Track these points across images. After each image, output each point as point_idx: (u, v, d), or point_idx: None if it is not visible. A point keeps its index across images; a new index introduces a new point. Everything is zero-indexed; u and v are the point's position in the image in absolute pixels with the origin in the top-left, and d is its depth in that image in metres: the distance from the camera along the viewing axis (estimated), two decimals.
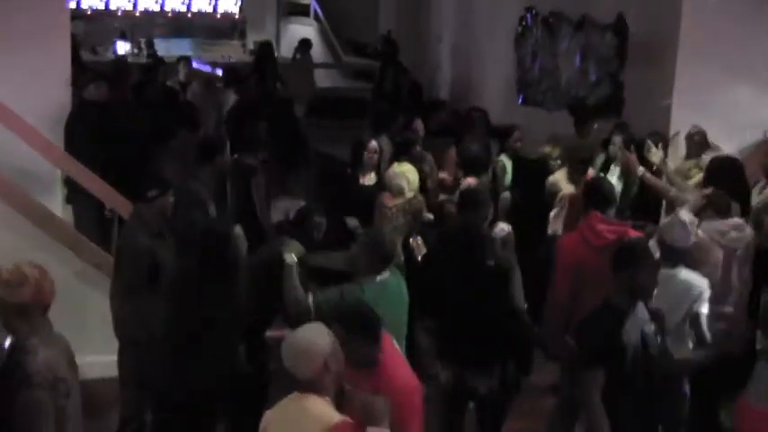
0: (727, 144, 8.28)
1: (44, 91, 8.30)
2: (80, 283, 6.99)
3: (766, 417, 4.75)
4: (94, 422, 5.27)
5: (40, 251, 6.43)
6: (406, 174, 7.53)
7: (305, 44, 15.84)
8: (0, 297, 4.00)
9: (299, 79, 14.98)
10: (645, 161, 7.71)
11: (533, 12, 11.87)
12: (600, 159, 8.19)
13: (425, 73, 15.20)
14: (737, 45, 8.72)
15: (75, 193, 8.42)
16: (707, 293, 5.60)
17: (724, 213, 6.39)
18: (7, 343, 4.12)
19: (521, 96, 12.13)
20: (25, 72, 8.04)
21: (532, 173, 8.48)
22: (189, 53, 16.19)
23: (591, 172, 7.72)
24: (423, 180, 7.91)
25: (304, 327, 4.00)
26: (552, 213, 7.65)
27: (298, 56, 15.77)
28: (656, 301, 5.16)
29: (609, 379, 4.74)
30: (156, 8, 20.21)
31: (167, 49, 17.74)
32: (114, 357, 6.12)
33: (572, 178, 7.64)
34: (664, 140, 8.16)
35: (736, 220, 6.41)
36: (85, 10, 19.19)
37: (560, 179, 7.77)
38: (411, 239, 7.27)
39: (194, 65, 13.68)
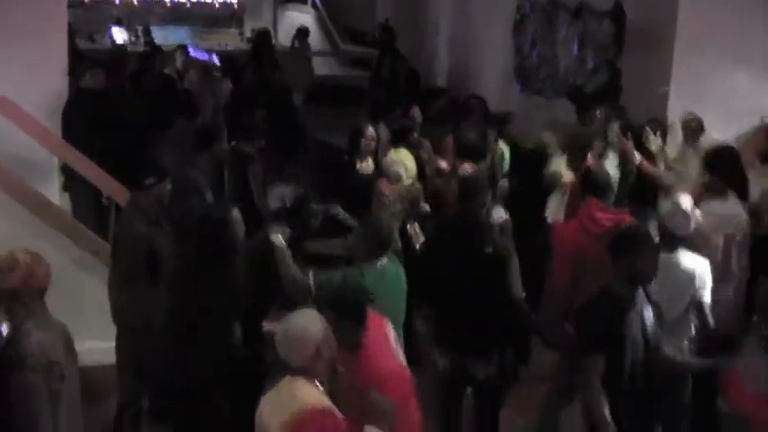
0: (725, 131, 8.27)
1: (41, 79, 8.30)
2: (77, 271, 6.99)
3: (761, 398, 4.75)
4: (92, 408, 5.30)
5: (38, 238, 6.43)
6: (403, 161, 7.53)
7: (302, 32, 15.80)
8: None
9: (296, 67, 14.92)
10: (643, 148, 7.71)
11: None
12: (599, 146, 8.19)
13: (423, 61, 15.18)
14: (735, 32, 8.71)
15: (72, 180, 8.43)
16: (710, 281, 5.62)
17: (721, 198, 6.43)
18: (5, 329, 4.14)
19: (519, 84, 12.11)
20: (22, 61, 8.04)
21: (530, 161, 8.48)
22: (186, 41, 16.14)
23: (590, 159, 7.72)
24: (420, 167, 7.92)
25: (297, 313, 4.04)
26: (554, 201, 7.65)
27: (295, 44, 15.73)
28: (657, 290, 5.18)
29: (608, 366, 4.75)
30: None
31: (165, 37, 17.66)
32: (112, 344, 6.13)
33: (572, 165, 7.64)
34: (662, 128, 8.16)
35: (734, 205, 6.45)
36: None
37: (561, 167, 7.77)
38: (408, 226, 7.28)
39: (192, 53, 13.62)
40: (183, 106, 9.19)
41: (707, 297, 5.62)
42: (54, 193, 8.28)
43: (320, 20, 20.10)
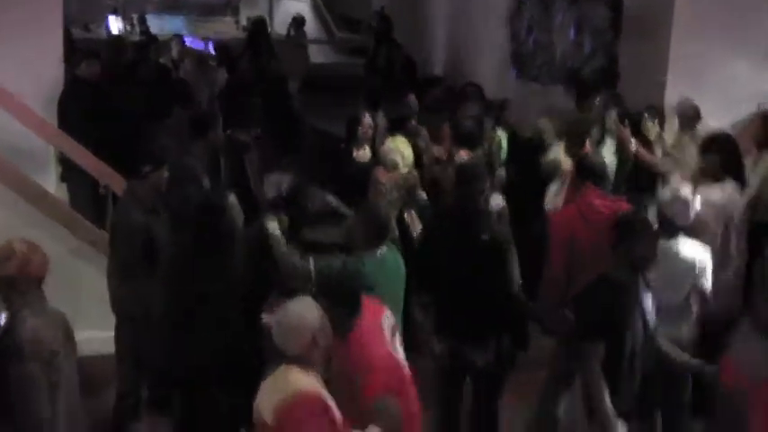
0: (722, 118, 8.25)
1: (37, 69, 8.28)
2: (75, 261, 6.99)
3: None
4: (91, 398, 5.30)
5: (35, 229, 6.41)
6: (400, 149, 7.52)
7: (298, 20, 15.77)
8: None
9: (292, 56, 14.91)
10: (641, 135, 7.70)
11: None
12: (596, 133, 8.18)
13: (419, 48, 15.12)
14: (733, 18, 8.68)
15: (69, 170, 8.42)
16: (710, 268, 5.63)
17: (718, 183, 6.44)
18: (3, 319, 4.16)
19: (515, 71, 12.08)
20: (17, 51, 8.02)
21: (527, 149, 8.47)
22: (182, 30, 16.12)
23: (588, 146, 7.71)
24: (417, 155, 7.91)
25: (293, 302, 4.04)
26: (553, 189, 7.64)
27: (291, 32, 15.71)
28: (656, 277, 5.18)
29: (608, 352, 4.76)
30: None
31: (160, 26, 17.63)
32: (110, 333, 6.13)
33: (570, 153, 7.62)
34: (660, 115, 8.15)
35: (732, 188, 6.47)
36: None
37: (560, 155, 7.76)
38: (405, 214, 7.27)
39: (187, 42, 13.59)
40: (178, 96, 9.18)
41: (708, 284, 5.63)
42: (51, 183, 8.27)
43: (316, 8, 20.07)
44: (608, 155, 7.73)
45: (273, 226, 5.70)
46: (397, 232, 6.90)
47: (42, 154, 8.31)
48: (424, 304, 5.82)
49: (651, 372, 4.99)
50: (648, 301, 4.99)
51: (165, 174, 6.07)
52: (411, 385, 4.57)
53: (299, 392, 3.82)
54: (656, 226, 5.49)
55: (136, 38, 15.60)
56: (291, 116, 11.39)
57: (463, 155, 7.52)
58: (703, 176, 6.55)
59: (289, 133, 10.71)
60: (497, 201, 6.94)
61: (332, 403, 3.92)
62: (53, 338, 4.13)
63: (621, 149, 7.70)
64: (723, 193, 6.47)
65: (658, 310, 5.11)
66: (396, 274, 5.46)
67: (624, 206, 6.08)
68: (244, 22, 19.36)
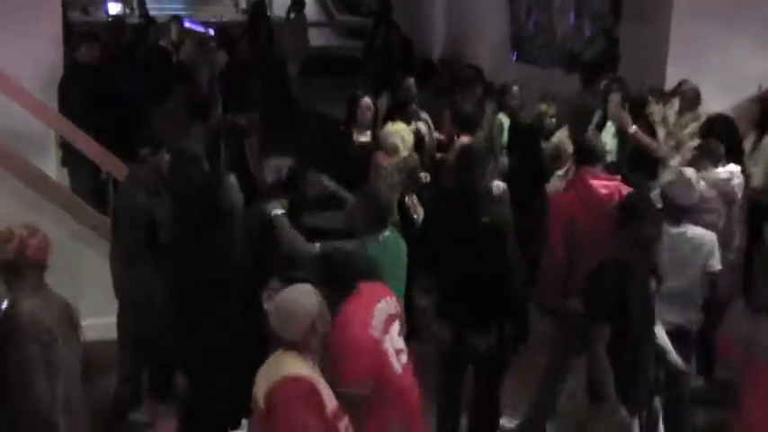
0: (723, 100, 8.25)
1: (35, 53, 8.25)
2: (77, 246, 6.98)
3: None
4: (92, 383, 5.31)
5: (36, 213, 6.40)
6: (400, 132, 7.51)
7: (298, 3, 15.72)
8: None
9: (292, 38, 14.88)
10: (643, 118, 7.70)
11: None
12: (598, 117, 8.18)
13: (419, 30, 15.09)
14: (733, 1, 8.67)
15: (70, 155, 8.41)
16: (717, 250, 5.63)
17: (718, 161, 6.48)
18: (4, 305, 4.16)
19: (515, 53, 12.06)
20: (16, 35, 7.98)
21: (528, 135, 8.45)
22: (181, 12, 16.08)
23: (590, 129, 7.71)
24: (418, 139, 7.90)
25: (292, 287, 4.02)
26: (557, 174, 7.63)
27: (291, 15, 15.67)
28: (665, 262, 5.18)
29: (613, 335, 4.76)
30: None
31: (159, 8, 17.59)
32: (111, 319, 6.14)
33: (574, 138, 7.61)
34: (663, 96, 8.15)
35: (732, 168, 6.49)
36: None
37: (563, 139, 7.75)
38: (406, 198, 7.27)
39: (186, 24, 13.56)
40: (178, 78, 9.16)
41: (718, 265, 5.63)
42: (52, 168, 8.26)
43: None
44: (608, 137, 7.72)
45: (277, 209, 5.69)
46: (397, 216, 6.90)
47: (43, 139, 8.29)
48: (425, 288, 5.82)
49: (653, 357, 5.00)
50: (653, 285, 5.00)
51: (166, 156, 6.07)
52: (408, 375, 4.48)
53: (288, 376, 3.80)
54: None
55: (135, 21, 15.58)
56: (290, 99, 11.39)
57: (464, 139, 7.51)
58: (703, 159, 6.55)
59: (287, 116, 10.71)
60: (498, 184, 6.93)
61: (324, 389, 3.90)
62: (52, 322, 4.14)
63: (622, 132, 7.70)
64: (725, 174, 6.48)
65: (664, 296, 5.12)
66: (398, 257, 5.44)
67: (621, 185, 6.05)
68: (243, 4, 19.32)
